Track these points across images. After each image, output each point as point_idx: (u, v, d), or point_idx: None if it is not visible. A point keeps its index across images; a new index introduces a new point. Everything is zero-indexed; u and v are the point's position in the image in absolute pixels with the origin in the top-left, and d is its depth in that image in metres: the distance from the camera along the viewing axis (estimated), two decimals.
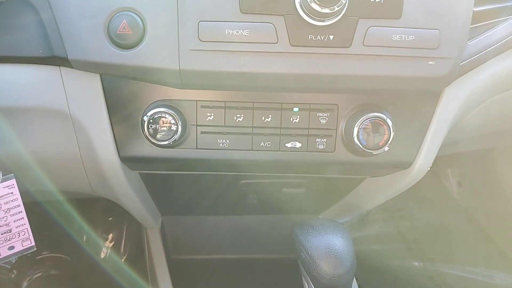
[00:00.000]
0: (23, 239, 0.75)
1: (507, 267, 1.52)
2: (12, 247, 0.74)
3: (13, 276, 1.38)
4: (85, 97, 0.72)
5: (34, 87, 0.71)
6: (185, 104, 0.73)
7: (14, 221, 0.74)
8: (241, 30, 0.63)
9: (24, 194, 0.75)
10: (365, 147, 0.73)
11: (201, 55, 0.64)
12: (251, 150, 0.76)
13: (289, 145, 0.76)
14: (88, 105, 0.72)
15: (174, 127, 0.72)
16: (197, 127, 0.75)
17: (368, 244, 1.67)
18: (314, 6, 0.59)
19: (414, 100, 0.76)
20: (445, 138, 0.81)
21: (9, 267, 1.39)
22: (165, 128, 0.72)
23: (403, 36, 0.65)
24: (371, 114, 0.72)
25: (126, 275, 1.35)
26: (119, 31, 0.64)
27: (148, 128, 0.71)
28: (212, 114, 0.74)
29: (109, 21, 0.64)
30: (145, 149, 0.76)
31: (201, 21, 0.63)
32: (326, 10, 0.60)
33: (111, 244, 1.49)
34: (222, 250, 1.41)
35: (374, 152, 0.74)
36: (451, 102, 0.78)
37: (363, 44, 0.65)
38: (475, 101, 0.85)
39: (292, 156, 0.77)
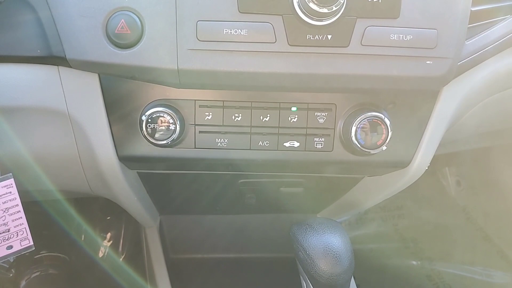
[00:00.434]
0: (21, 238, 0.75)
1: (505, 266, 1.53)
2: (10, 247, 0.74)
3: (11, 275, 1.38)
4: (83, 97, 0.72)
5: (33, 87, 0.71)
6: (183, 103, 0.73)
7: (13, 220, 0.74)
8: (239, 30, 0.63)
9: (22, 193, 0.75)
10: (363, 147, 0.73)
11: (199, 55, 0.64)
12: (249, 149, 0.76)
13: (287, 144, 0.76)
14: (86, 105, 0.72)
15: (172, 127, 0.72)
16: (196, 126, 0.75)
17: (366, 243, 1.68)
18: (312, 5, 0.59)
19: (412, 100, 0.77)
20: (443, 137, 0.82)
21: (7, 266, 1.38)
22: (163, 128, 0.72)
23: (401, 35, 0.65)
24: (369, 114, 0.72)
25: (124, 274, 1.35)
26: (118, 30, 0.64)
27: (146, 128, 0.71)
28: (211, 113, 0.74)
29: (108, 21, 0.64)
30: (143, 148, 0.76)
31: (199, 20, 0.63)
32: (324, 10, 0.60)
33: (109, 243, 1.49)
34: (220, 249, 1.41)
35: (372, 152, 0.74)
36: (449, 101, 0.78)
37: (361, 44, 0.65)
38: (473, 101, 0.86)
39: (290, 155, 0.77)
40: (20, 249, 0.75)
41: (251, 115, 0.74)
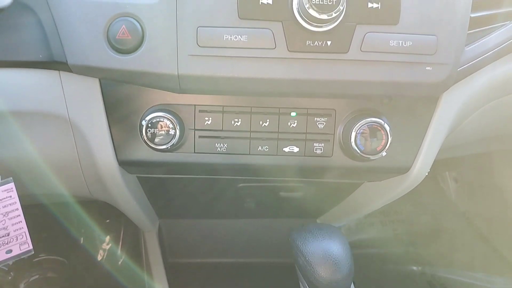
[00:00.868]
0: (21, 242, 0.75)
1: (506, 272, 1.52)
2: (10, 251, 0.74)
3: (10, 278, 1.38)
4: (84, 101, 0.72)
5: (34, 91, 0.71)
6: (183, 108, 0.74)
7: (12, 224, 0.74)
8: (239, 36, 0.63)
9: (22, 197, 0.75)
10: (362, 152, 0.73)
11: (199, 60, 0.64)
12: (249, 154, 0.76)
13: (286, 149, 0.76)
14: (87, 109, 0.73)
15: (172, 131, 0.72)
16: (195, 131, 0.75)
17: (366, 248, 1.67)
18: (312, 12, 0.60)
19: (411, 106, 0.77)
20: (443, 143, 0.82)
21: (6, 269, 1.38)
22: (163, 132, 0.72)
23: (400, 42, 0.65)
24: (369, 119, 0.72)
25: (123, 278, 1.35)
26: (118, 36, 0.64)
27: (146, 132, 0.72)
28: (210, 118, 0.74)
29: (109, 27, 0.64)
30: (143, 153, 0.76)
31: (199, 26, 0.63)
32: (324, 16, 0.60)
33: (108, 247, 1.49)
34: (219, 253, 1.41)
35: (372, 157, 0.74)
36: (449, 107, 0.78)
37: (361, 50, 0.65)
38: (472, 106, 0.86)
39: (290, 160, 0.77)
40: (20, 253, 0.75)
41: (251, 120, 0.75)
